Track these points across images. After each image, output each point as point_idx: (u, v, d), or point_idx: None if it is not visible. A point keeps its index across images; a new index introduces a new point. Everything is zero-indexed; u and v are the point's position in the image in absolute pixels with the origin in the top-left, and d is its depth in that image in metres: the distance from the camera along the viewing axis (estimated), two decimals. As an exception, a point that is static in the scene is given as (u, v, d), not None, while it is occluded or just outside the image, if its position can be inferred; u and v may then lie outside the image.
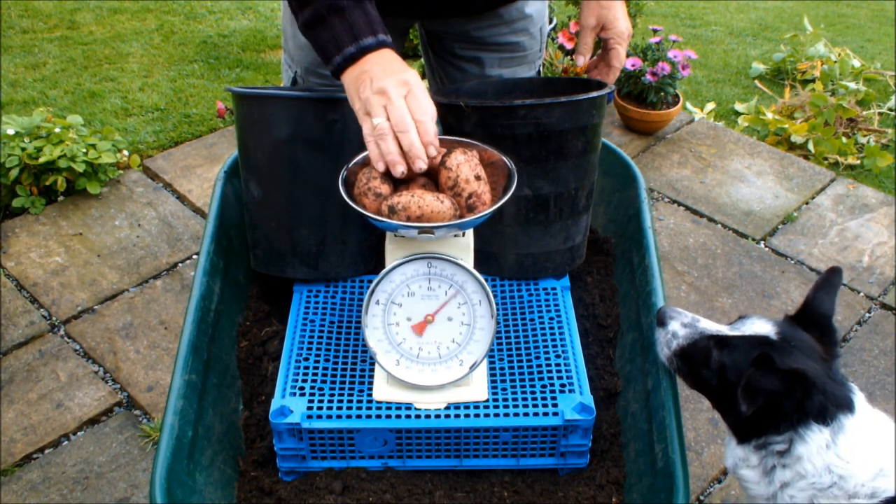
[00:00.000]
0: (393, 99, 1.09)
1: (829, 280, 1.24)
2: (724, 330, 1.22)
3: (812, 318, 1.22)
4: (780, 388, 1.08)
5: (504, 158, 1.22)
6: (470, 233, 1.24)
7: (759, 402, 1.07)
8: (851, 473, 1.09)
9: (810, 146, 3.43)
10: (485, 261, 1.46)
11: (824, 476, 1.09)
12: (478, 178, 1.15)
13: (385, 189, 1.17)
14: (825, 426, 1.10)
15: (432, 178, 1.20)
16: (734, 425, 1.19)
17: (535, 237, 1.43)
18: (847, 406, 1.12)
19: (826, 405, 1.10)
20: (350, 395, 1.25)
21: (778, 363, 1.08)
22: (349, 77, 1.15)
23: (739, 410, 1.08)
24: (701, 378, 1.20)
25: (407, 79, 1.11)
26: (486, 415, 1.22)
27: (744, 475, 1.18)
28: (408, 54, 3.65)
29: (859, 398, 1.15)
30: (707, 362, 1.18)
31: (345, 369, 1.31)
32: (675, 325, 1.24)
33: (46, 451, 2.06)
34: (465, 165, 1.15)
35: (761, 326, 1.19)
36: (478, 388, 1.26)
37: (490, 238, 1.43)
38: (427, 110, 1.10)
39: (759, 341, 1.16)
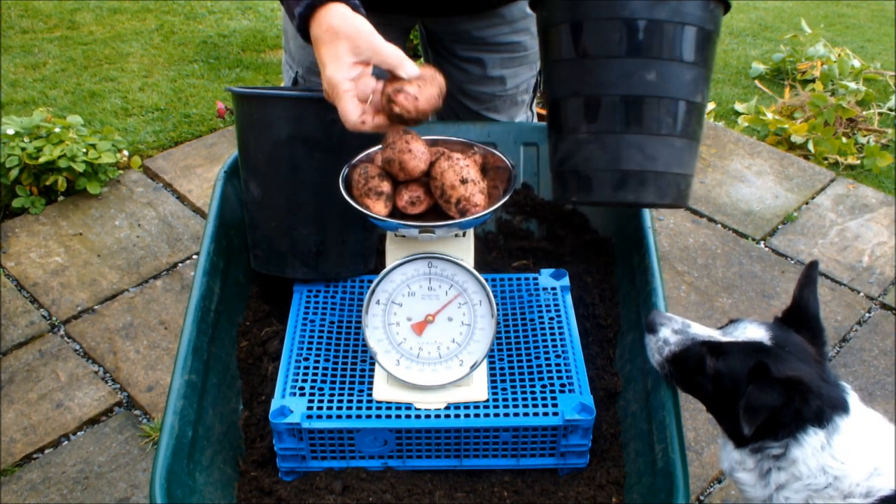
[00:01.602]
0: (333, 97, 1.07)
1: (810, 276, 1.24)
2: (716, 335, 1.21)
3: (801, 318, 1.22)
4: (779, 402, 1.08)
5: (505, 159, 1.22)
6: (470, 232, 1.24)
7: (760, 419, 1.07)
8: (846, 473, 1.09)
9: (810, 146, 3.44)
10: (641, 183, 1.19)
11: (819, 477, 1.10)
12: (464, 181, 1.15)
13: (385, 187, 1.17)
14: (821, 429, 1.10)
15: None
16: (731, 431, 1.19)
17: (694, 154, 1.23)
18: (842, 407, 1.12)
19: (822, 408, 1.10)
20: (350, 395, 1.25)
21: (774, 372, 1.08)
22: (315, 34, 1.10)
23: (740, 429, 1.08)
24: (695, 384, 1.20)
25: (330, 79, 1.07)
26: (486, 415, 1.22)
27: (740, 478, 1.18)
28: (408, 54, 3.65)
29: (853, 398, 1.15)
30: (701, 369, 1.18)
31: (345, 369, 1.31)
32: (665, 332, 1.23)
33: (46, 451, 2.06)
34: (450, 171, 1.15)
35: (754, 331, 1.19)
36: (478, 388, 1.26)
37: (657, 155, 1.19)
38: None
39: (753, 348, 1.15)
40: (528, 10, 1.63)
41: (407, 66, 1.05)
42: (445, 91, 1.12)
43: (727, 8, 1.18)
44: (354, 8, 1.11)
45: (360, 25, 1.06)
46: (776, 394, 1.07)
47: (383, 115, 1.08)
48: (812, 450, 1.10)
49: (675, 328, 1.23)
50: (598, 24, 1.15)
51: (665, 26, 1.13)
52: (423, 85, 1.07)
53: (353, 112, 1.07)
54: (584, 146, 1.18)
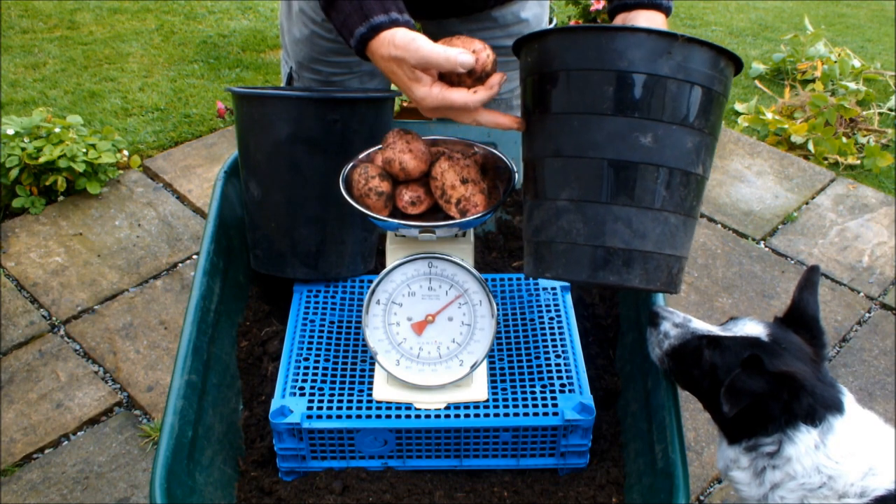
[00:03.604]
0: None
1: (810, 279, 1.25)
2: (715, 331, 1.22)
3: (800, 320, 1.23)
4: (765, 390, 1.08)
5: (505, 159, 1.22)
6: (470, 232, 1.24)
7: (742, 403, 1.08)
8: (841, 473, 1.09)
9: (810, 146, 3.43)
10: (626, 264, 1.04)
11: (814, 476, 1.10)
12: (464, 181, 1.15)
13: (385, 187, 1.17)
14: (814, 427, 1.10)
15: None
16: (724, 425, 1.19)
17: (690, 233, 1.09)
18: (836, 407, 1.12)
19: (814, 406, 1.10)
20: (350, 395, 1.25)
21: (767, 365, 1.09)
22: (375, 57, 1.11)
23: (723, 411, 1.08)
24: (692, 378, 1.20)
25: (423, 100, 1.08)
26: (486, 415, 1.22)
27: (735, 476, 1.18)
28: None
29: (849, 399, 1.15)
30: (698, 362, 1.18)
31: (345, 369, 1.31)
32: (666, 325, 1.24)
33: (46, 451, 2.06)
34: (450, 171, 1.15)
35: (753, 328, 1.20)
36: (478, 388, 1.26)
37: (647, 233, 1.03)
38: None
39: (750, 342, 1.16)
40: (522, 16, 1.63)
41: (461, 59, 1.03)
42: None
43: (739, 68, 1.06)
44: (405, 24, 1.11)
45: (409, 43, 1.06)
46: (763, 382, 1.08)
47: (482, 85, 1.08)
48: (806, 448, 1.10)
49: (675, 322, 1.24)
50: (589, 75, 1.00)
51: (667, 83, 0.99)
52: (468, 46, 1.06)
53: (460, 96, 1.05)
54: (562, 215, 1.04)
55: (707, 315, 2.54)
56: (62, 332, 2.41)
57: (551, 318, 1.41)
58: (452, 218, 1.15)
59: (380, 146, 1.22)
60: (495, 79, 1.08)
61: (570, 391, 1.26)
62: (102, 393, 2.21)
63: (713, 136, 1.06)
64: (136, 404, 2.19)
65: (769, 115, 3.62)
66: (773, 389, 1.08)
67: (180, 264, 2.70)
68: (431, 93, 1.06)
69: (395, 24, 1.10)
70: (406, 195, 1.17)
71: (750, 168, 3.31)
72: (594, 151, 1.01)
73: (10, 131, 2.83)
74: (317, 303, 1.44)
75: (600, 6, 3.66)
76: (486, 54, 1.06)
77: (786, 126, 3.51)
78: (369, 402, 1.24)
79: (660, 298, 1.34)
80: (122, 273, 2.64)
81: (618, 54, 0.98)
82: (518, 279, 1.51)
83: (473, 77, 1.06)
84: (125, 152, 3.17)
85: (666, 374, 1.24)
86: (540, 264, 1.08)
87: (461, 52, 1.03)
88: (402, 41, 1.06)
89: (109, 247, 2.75)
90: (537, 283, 1.49)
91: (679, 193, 1.03)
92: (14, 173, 2.77)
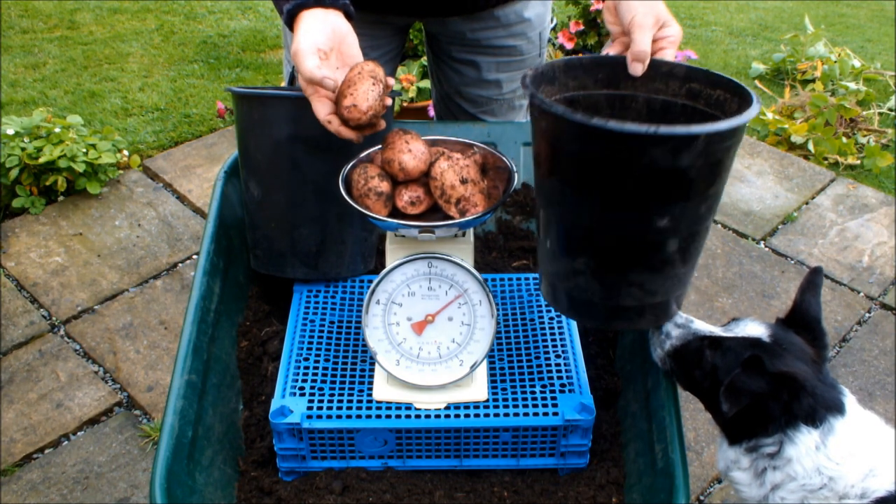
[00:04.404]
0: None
1: (813, 281, 1.25)
2: (716, 331, 1.22)
3: (802, 321, 1.22)
4: (764, 390, 1.08)
5: (505, 159, 1.22)
6: (470, 232, 1.24)
7: (742, 403, 1.08)
8: (841, 475, 1.09)
9: (810, 146, 3.43)
10: (638, 314, 1.14)
11: (815, 477, 1.10)
12: (464, 181, 1.15)
13: (385, 187, 1.17)
14: (814, 428, 1.10)
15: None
16: (725, 426, 1.19)
17: (694, 266, 1.16)
18: (837, 408, 1.12)
19: (815, 407, 1.10)
20: (350, 395, 1.25)
21: (768, 366, 1.09)
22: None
23: (723, 410, 1.08)
24: (693, 378, 1.20)
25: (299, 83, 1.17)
26: (486, 415, 1.22)
27: (735, 477, 1.18)
28: (407, 54, 3.66)
29: (850, 400, 1.15)
30: (699, 363, 1.18)
31: (345, 369, 1.31)
32: (668, 326, 1.24)
33: (46, 451, 2.06)
34: (449, 171, 1.15)
35: (754, 329, 1.20)
36: (478, 388, 1.26)
37: (658, 289, 1.11)
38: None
39: (751, 343, 1.16)
40: (525, 15, 1.63)
41: (325, 82, 1.12)
42: (381, 72, 1.16)
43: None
44: (332, 6, 1.17)
45: (304, 43, 1.14)
46: (763, 382, 1.08)
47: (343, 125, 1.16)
48: (806, 449, 1.10)
49: (677, 322, 1.23)
50: (610, 166, 0.98)
51: (689, 172, 0.97)
52: (355, 92, 1.12)
53: (321, 110, 1.15)
54: (579, 275, 1.10)
55: (707, 315, 2.54)
56: (62, 332, 2.41)
57: (551, 318, 1.41)
58: (452, 218, 1.15)
59: (379, 146, 1.22)
60: (347, 133, 1.15)
61: (570, 391, 1.26)
62: (102, 393, 2.21)
63: (725, 182, 1.06)
64: (136, 404, 2.19)
65: (769, 115, 3.62)
66: (773, 390, 1.08)
67: (180, 264, 2.70)
68: (307, 89, 1.16)
69: (318, 2, 1.16)
70: (405, 195, 1.17)
71: (750, 168, 3.31)
72: (612, 230, 1.04)
73: (10, 131, 2.83)
74: (317, 303, 1.44)
75: (600, 6, 3.66)
76: (359, 115, 1.11)
77: (786, 126, 3.51)
78: (369, 402, 1.24)
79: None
80: (122, 273, 2.64)
81: (639, 151, 0.96)
82: (518, 279, 1.51)
83: (343, 115, 1.13)
84: (125, 152, 3.17)
85: (667, 374, 1.24)
86: (557, 304, 1.19)
87: (327, 78, 1.12)
88: (301, 36, 1.14)
89: (109, 247, 2.75)
90: (537, 283, 1.49)
91: (690, 251, 1.08)
92: (14, 173, 2.77)
